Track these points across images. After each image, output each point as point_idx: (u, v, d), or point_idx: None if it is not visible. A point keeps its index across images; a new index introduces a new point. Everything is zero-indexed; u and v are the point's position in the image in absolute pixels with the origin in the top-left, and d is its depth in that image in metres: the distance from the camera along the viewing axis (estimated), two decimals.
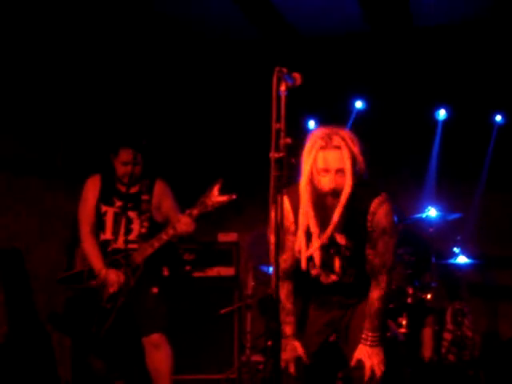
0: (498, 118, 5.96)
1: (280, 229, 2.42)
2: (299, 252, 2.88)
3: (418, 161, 6.11)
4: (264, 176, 2.75)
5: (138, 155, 4.02)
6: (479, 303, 5.84)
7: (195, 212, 3.85)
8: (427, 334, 5.09)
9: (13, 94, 4.96)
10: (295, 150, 2.60)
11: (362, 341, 2.90)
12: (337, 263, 2.92)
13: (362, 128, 6.24)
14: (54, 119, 5.39)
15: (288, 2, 5.25)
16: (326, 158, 2.71)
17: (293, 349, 2.96)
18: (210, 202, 3.78)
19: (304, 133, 6.42)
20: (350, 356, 2.97)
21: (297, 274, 2.99)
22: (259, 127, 2.79)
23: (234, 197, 3.72)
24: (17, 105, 5.01)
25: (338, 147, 2.69)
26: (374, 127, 6.19)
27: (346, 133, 2.77)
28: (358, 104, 6.27)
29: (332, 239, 2.85)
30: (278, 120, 2.39)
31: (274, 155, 2.36)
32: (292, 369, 2.95)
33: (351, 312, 3.05)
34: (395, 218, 2.86)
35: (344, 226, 2.82)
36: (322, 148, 2.71)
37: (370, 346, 2.88)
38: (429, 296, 4.92)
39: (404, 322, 4.77)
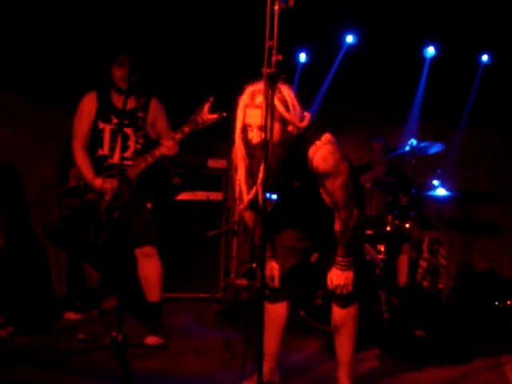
0: (485, 57, 6.09)
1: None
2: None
3: (404, 95, 6.24)
4: None
5: (135, 61, 4.14)
6: (455, 235, 6.11)
7: (179, 136, 3.99)
8: (404, 260, 5.33)
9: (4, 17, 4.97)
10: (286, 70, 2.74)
11: (335, 264, 3.15)
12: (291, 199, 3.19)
13: (352, 62, 6.36)
14: (48, 40, 5.41)
15: None
16: (250, 115, 2.90)
17: (270, 268, 3.27)
18: (200, 119, 3.89)
19: (295, 65, 6.57)
20: (328, 271, 3.25)
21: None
22: (252, 45, 2.92)
23: (225, 114, 3.83)
24: (11, 26, 5.02)
25: (259, 106, 2.82)
26: (363, 62, 6.29)
27: (273, 91, 2.78)
28: (349, 38, 6.35)
29: (285, 183, 3.09)
30: (271, 38, 2.52)
31: (266, 70, 2.50)
32: (271, 284, 3.28)
33: (324, 232, 3.23)
34: (339, 158, 3.00)
35: (292, 172, 3.04)
36: (247, 105, 2.91)
37: (341, 269, 3.15)
38: (407, 225, 5.12)
39: (382, 249, 4.96)
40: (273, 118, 2.78)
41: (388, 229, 5.01)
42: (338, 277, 3.17)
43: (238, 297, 5.37)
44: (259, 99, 2.85)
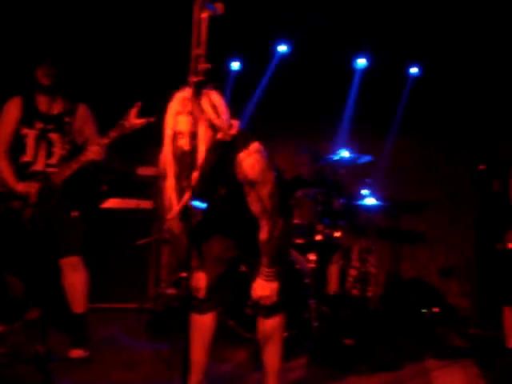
0: (414, 70, 6.24)
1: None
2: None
3: (335, 105, 6.31)
4: None
5: (59, 59, 4.05)
6: (385, 244, 6.21)
7: (105, 141, 3.91)
8: (334, 269, 5.36)
9: None
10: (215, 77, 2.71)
11: (259, 274, 3.14)
12: (221, 207, 3.15)
13: (285, 71, 6.39)
14: None
15: None
16: (181, 122, 2.86)
17: (198, 279, 3.23)
18: (127, 124, 3.83)
19: (228, 74, 6.55)
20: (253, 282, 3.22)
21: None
22: (181, 53, 2.88)
23: (152, 120, 3.78)
24: None
25: (191, 113, 2.78)
26: (295, 71, 6.34)
27: (203, 98, 2.81)
28: (282, 48, 6.38)
29: (213, 191, 3.06)
30: (199, 45, 2.48)
31: (192, 79, 2.46)
32: (198, 295, 3.22)
33: (251, 241, 3.19)
34: (266, 167, 3.03)
35: (219, 179, 3.03)
36: (178, 113, 2.86)
37: (265, 279, 3.13)
38: (337, 234, 5.17)
39: (313, 258, 5.00)
40: (211, 126, 2.87)
41: (318, 238, 5.06)
42: (262, 287, 3.15)
43: (169, 306, 5.30)
44: (190, 106, 2.79)
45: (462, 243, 6.11)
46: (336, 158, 5.19)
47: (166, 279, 5.73)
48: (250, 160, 2.97)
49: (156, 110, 3.80)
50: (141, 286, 5.52)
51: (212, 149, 2.91)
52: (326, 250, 5.25)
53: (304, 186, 5.42)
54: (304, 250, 5.03)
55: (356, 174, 5.65)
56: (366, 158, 5.27)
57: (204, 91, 2.73)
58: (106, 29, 6.10)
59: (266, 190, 3.02)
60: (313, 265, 4.97)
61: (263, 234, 3.08)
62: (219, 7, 2.60)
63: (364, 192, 5.41)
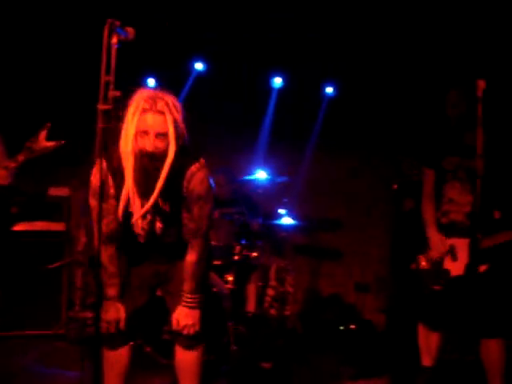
0: (329, 89, 6.33)
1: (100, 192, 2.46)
2: (122, 217, 2.92)
3: (253, 125, 6.32)
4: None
5: None
6: (302, 262, 6.24)
7: (13, 165, 3.74)
8: (252, 289, 5.33)
9: None
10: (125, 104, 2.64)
11: (182, 302, 3.03)
12: (158, 225, 2.98)
13: (201, 90, 6.35)
14: None
15: None
16: (148, 121, 2.73)
17: (115, 310, 3.02)
18: (36, 147, 3.67)
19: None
20: (173, 310, 3.10)
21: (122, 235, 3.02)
22: (93, 79, 2.79)
23: (63, 142, 3.65)
24: None
25: (162, 112, 2.73)
26: (211, 90, 6.30)
27: (170, 98, 2.80)
28: (198, 66, 6.33)
29: (155, 203, 2.90)
30: (108, 72, 2.40)
31: (101, 107, 2.37)
32: (113, 329, 3.03)
33: (175, 266, 3.12)
34: (211, 185, 2.99)
35: (164, 190, 2.87)
36: (145, 111, 2.73)
37: (189, 307, 3.03)
38: (255, 254, 5.15)
39: (230, 279, 4.96)
40: (177, 128, 2.81)
41: (236, 258, 5.02)
42: (185, 316, 3.04)
43: (84, 331, 5.13)
44: (161, 104, 2.73)
45: (377, 260, 6.23)
46: (253, 178, 5.18)
47: (80, 302, 5.55)
48: (201, 174, 2.90)
49: (67, 132, 3.71)
50: (54, 310, 5.31)
51: (176, 155, 2.80)
52: (244, 271, 5.22)
53: (220, 206, 5.37)
54: (222, 271, 4.98)
55: (273, 194, 5.66)
56: (282, 178, 5.29)
57: (162, 92, 2.77)
58: (16, 51, 5.90)
59: (206, 209, 2.95)
60: (231, 286, 4.93)
61: (192, 256, 2.99)
62: (130, 32, 2.53)
63: (281, 211, 5.43)
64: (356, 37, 5.97)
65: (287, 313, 5.42)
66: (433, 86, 5.80)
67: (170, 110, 2.75)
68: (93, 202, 2.83)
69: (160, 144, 2.77)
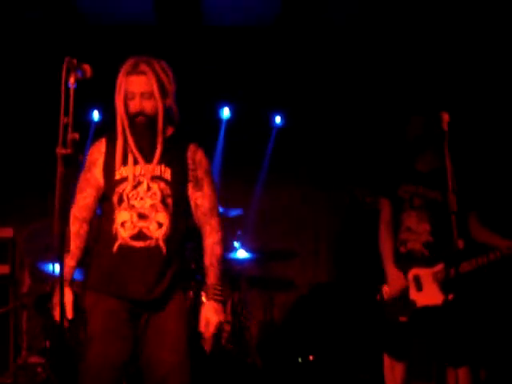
0: (278, 119, 6.32)
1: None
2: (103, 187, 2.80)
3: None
4: (43, 170, 2.65)
5: None
6: (257, 294, 6.14)
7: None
8: None
9: None
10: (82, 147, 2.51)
11: (210, 296, 2.79)
12: (163, 214, 2.77)
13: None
14: None
15: None
16: (132, 82, 2.72)
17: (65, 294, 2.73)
18: None
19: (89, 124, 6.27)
20: (147, 361, 2.76)
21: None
22: (46, 120, 2.69)
23: None
24: None
25: (144, 72, 2.70)
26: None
27: (155, 61, 2.77)
28: None
29: (157, 171, 2.80)
30: (66, 114, 2.28)
31: (60, 151, 2.25)
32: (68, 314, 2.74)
33: (163, 315, 2.78)
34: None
35: (166, 158, 2.81)
36: (129, 73, 2.72)
37: (217, 300, 2.79)
38: None
39: None
40: (163, 88, 2.76)
41: (190, 295, 4.87)
42: (215, 312, 2.77)
43: (34, 379, 4.87)
44: (144, 65, 2.72)
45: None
46: None
47: (26, 347, 5.29)
48: (201, 153, 2.89)
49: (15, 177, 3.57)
50: (1, 358, 5.03)
51: (164, 117, 2.77)
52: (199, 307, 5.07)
53: None
54: None
55: (226, 227, 5.55)
56: (235, 211, 5.21)
57: (149, 56, 2.76)
58: None
59: (215, 186, 2.91)
60: None
61: (214, 237, 2.87)
62: (87, 69, 2.44)
63: (235, 244, 5.33)
64: (303, 64, 6.00)
65: (245, 348, 5.30)
66: (385, 113, 5.88)
67: (152, 70, 2.72)
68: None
69: (147, 104, 2.73)
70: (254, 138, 6.22)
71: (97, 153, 2.85)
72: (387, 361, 3.87)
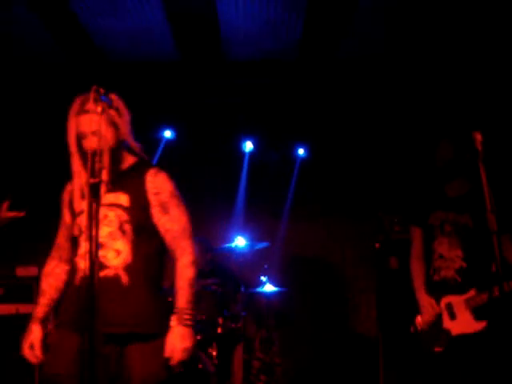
0: (301, 151, 6.28)
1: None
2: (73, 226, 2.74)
3: (226, 191, 6.20)
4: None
5: None
6: (286, 330, 6.01)
7: None
8: (237, 363, 5.09)
9: None
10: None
11: (179, 320, 2.58)
12: (121, 241, 2.66)
13: (171, 158, 6.23)
14: None
15: (98, 26, 5.09)
16: (81, 122, 2.66)
17: (31, 332, 2.76)
18: None
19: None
20: None
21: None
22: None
23: (23, 214, 3.49)
24: None
25: (91, 111, 2.58)
26: (182, 157, 6.20)
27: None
28: (167, 133, 6.24)
29: (113, 198, 2.68)
30: None
31: (90, 181, 2.21)
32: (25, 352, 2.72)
33: (129, 351, 2.60)
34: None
35: (123, 185, 2.71)
36: (78, 113, 2.67)
37: (186, 325, 2.58)
38: (238, 325, 4.92)
39: (214, 353, 4.71)
40: (113, 125, 2.68)
41: (219, 331, 4.78)
42: (182, 337, 2.56)
43: None
44: (90, 105, 2.58)
45: (362, 324, 6.06)
46: (231, 245, 5.00)
47: None
48: (164, 174, 2.76)
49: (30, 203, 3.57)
50: None
51: (116, 149, 2.71)
52: (228, 344, 4.98)
53: (198, 278, 5.16)
54: (205, 345, 4.73)
55: (253, 260, 5.49)
56: (262, 244, 5.13)
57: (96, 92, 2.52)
58: None
59: (183, 208, 2.77)
60: (215, 360, 4.67)
61: (185, 258, 2.69)
62: (114, 99, 2.42)
63: (263, 278, 5.24)
64: (325, 94, 5.99)
65: None
66: (411, 140, 5.82)
67: (100, 108, 2.47)
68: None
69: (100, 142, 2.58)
70: (277, 170, 6.18)
71: (66, 193, 2.84)
72: None
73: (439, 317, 3.61)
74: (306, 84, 5.96)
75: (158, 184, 2.72)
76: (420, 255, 3.81)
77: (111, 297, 2.55)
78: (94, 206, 2.16)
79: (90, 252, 2.18)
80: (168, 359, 2.56)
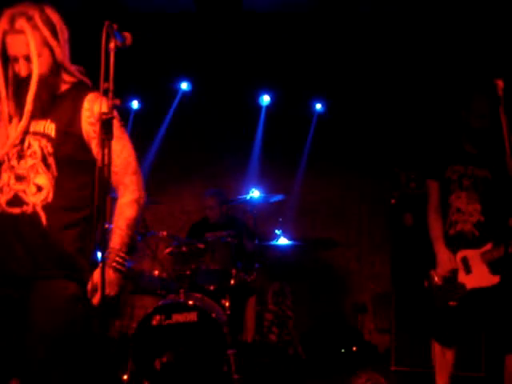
0: (319, 106, 6.22)
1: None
2: None
3: (243, 144, 6.18)
4: None
5: None
6: (298, 283, 6.04)
7: None
8: (249, 315, 5.13)
9: None
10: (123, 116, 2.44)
11: (109, 261, 2.32)
12: (44, 176, 2.36)
13: (187, 111, 6.21)
14: None
15: None
16: (11, 43, 2.34)
17: None
18: None
19: (127, 112, 6.28)
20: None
21: None
22: None
23: None
24: None
25: (22, 31, 2.32)
26: (198, 110, 6.16)
27: (36, 11, 2.37)
28: (184, 85, 6.20)
29: (39, 127, 2.38)
30: (106, 79, 2.21)
31: (102, 116, 2.18)
32: None
33: (42, 291, 2.33)
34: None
35: (54, 112, 2.40)
36: (6, 32, 2.33)
37: (116, 268, 2.35)
38: (252, 277, 4.93)
39: (227, 304, 4.73)
40: (48, 46, 2.37)
41: (232, 282, 4.79)
42: (109, 281, 2.28)
43: None
44: (20, 22, 2.32)
45: (375, 277, 6.07)
46: (246, 197, 4.98)
47: None
48: (103, 102, 2.27)
49: None
50: None
51: (54, 72, 2.39)
52: (241, 295, 5.01)
53: (214, 229, 5.18)
54: (217, 296, 4.76)
55: (268, 213, 5.49)
56: (277, 197, 5.10)
57: (38, 6, 2.36)
58: None
59: (127, 138, 2.46)
60: (228, 311, 4.70)
61: (127, 196, 2.41)
62: (128, 37, 2.35)
63: (277, 231, 5.24)
64: (344, 48, 5.89)
65: (287, 337, 5.21)
66: (428, 94, 5.73)
67: (33, 27, 2.34)
68: None
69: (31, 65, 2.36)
70: (294, 124, 6.13)
71: None
72: (437, 348, 3.74)
73: (454, 271, 3.59)
74: (324, 38, 5.85)
75: (96, 112, 2.35)
76: (437, 208, 3.77)
77: (28, 237, 2.32)
78: (107, 142, 2.14)
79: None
80: (88, 301, 2.30)
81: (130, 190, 2.42)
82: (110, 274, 2.31)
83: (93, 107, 2.38)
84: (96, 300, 2.28)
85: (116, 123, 2.29)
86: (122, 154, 2.41)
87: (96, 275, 2.28)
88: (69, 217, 2.37)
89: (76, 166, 2.40)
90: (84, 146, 2.40)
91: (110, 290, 2.30)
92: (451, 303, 3.56)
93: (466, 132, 3.72)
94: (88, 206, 2.38)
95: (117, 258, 2.34)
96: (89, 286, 2.29)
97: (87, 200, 2.39)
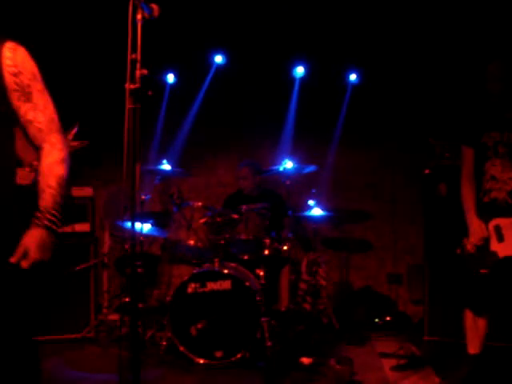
0: (353, 76, 6.18)
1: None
2: None
3: (276, 116, 6.19)
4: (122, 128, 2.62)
5: None
6: (332, 255, 6.09)
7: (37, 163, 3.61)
8: (283, 284, 5.19)
9: None
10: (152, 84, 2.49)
11: (40, 221, 2.21)
12: None
13: (221, 82, 6.24)
14: None
15: None
16: None
17: None
18: None
19: (163, 86, 6.35)
20: None
21: None
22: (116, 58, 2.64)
23: (86, 143, 3.53)
24: None
25: None
26: (233, 82, 6.18)
27: None
28: (218, 58, 6.22)
29: None
30: (134, 50, 2.27)
31: (129, 86, 2.24)
32: None
33: None
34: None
35: None
36: None
37: (48, 228, 2.21)
38: (285, 247, 4.98)
39: (261, 273, 4.80)
40: None
41: (266, 252, 4.85)
42: (38, 242, 2.17)
43: (113, 334, 5.03)
44: None
45: (409, 249, 6.06)
46: (280, 168, 5.02)
47: (107, 305, 5.46)
48: (23, 50, 2.20)
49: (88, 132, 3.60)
50: (82, 314, 5.18)
51: None
52: (275, 265, 5.07)
53: (248, 201, 5.23)
54: (252, 265, 4.84)
55: (301, 185, 5.52)
56: (310, 168, 5.12)
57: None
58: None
59: (48, 94, 2.32)
60: (262, 281, 4.78)
61: (53, 155, 2.29)
62: (155, 9, 2.40)
63: (310, 203, 5.27)
64: (378, 19, 5.82)
65: (321, 307, 5.27)
66: (461, 62, 5.64)
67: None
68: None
69: None
70: (328, 96, 6.11)
71: None
72: (469, 316, 3.76)
73: (486, 239, 3.59)
74: (358, 7, 5.79)
75: (19, 62, 2.23)
76: (471, 176, 3.75)
77: None
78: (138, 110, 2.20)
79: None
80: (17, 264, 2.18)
81: (57, 148, 2.31)
82: (43, 235, 2.19)
83: (13, 57, 2.24)
84: (26, 264, 2.17)
85: (37, 74, 2.24)
86: (46, 109, 2.31)
87: (27, 237, 2.18)
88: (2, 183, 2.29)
89: (5, 123, 2.28)
90: (4, 97, 2.24)
91: (43, 255, 2.20)
92: (483, 271, 3.57)
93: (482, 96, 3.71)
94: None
95: (49, 216, 2.21)
96: (19, 249, 2.17)
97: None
